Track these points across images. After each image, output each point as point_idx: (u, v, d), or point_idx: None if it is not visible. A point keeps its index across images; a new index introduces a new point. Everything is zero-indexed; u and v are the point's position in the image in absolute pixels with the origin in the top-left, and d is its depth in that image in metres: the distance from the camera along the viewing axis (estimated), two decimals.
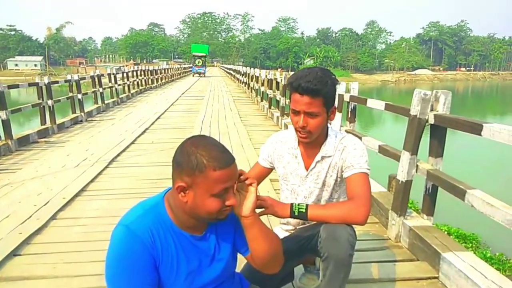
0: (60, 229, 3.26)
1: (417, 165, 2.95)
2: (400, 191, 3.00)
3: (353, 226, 1.67)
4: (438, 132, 2.86)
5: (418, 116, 2.84)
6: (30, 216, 3.42)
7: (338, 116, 4.92)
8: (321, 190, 1.80)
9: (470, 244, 4.80)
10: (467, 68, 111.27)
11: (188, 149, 1.14)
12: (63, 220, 3.44)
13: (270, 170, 1.93)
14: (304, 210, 1.57)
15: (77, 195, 4.06)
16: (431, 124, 2.86)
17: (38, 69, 73.23)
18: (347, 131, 3.84)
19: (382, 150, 3.53)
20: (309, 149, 1.77)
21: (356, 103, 4.58)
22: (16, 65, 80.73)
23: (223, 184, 1.14)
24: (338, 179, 1.77)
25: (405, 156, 2.95)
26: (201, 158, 1.12)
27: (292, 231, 1.91)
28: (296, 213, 1.57)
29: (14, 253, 2.80)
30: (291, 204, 1.60)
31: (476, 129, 2.31)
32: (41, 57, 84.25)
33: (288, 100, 8.85)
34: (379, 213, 3.42)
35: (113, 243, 1.15)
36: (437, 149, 2.91)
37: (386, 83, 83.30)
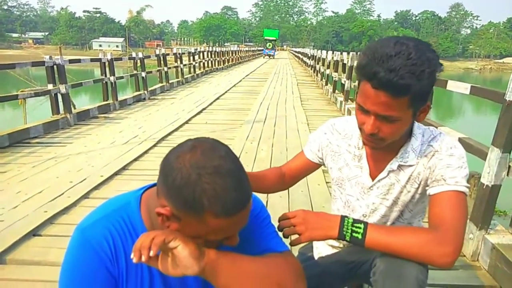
0: (89, 209, 2.95)
1: (509, 166, 2.27)
2: (484, 198, 2.34)
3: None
4: None
5: None
6: (62, 193, 3.26)
7: None
8: (390, 209, 1.25)
9: None
10: None
11: (186, 171, 0.76)
12: (94, 200, 3.24)
13: (318, 166, 1.42)
14: (360, 235, 1.04)
15: (116, 173, 3.88)
16: None
17: (119, 50, 77.65)
18: None
19: (464, 144, 2.82)
20: (380, 151, 1.20)
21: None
22: (100, 45, 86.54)
23: (225, 233, 0.81)
24: (417, 195, 1.20)
25: (494, 153, 2.29)
26: (201, 194, 0.75)
27: (341, 249, 1.39)
28: (348, 238, 1.06)
29: (34, 233, 2.63)
30: (342, 219, 1.08)
31: None
32: (122, 39, 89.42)
33: (354, 84, 8.22)
34: None
35: (68, 248, 0.88)
36: None
37: (469, 71, 76.69)
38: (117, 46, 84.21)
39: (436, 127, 1.31)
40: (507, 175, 2.29)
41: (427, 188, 1.15)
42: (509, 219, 2.62)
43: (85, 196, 3.29)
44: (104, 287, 0.84)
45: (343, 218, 1.08)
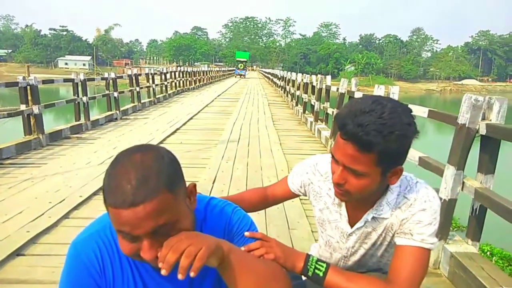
0: (70, 229, 3.10)
1: (463, 182, 2.55)
2: (442, 211, 2.60)
3: None
4: (490, 144, 2.46)
5: (467, 125, 2.45)
6: (43, 214, 3.30)
7: None
8: (370, 250, 1.29)
9: None
10: None
11: (109, 167, 0.82)
12: (75, 220, 3.29)
13: (301, 194, 1.44)
14: (321, 273, 1.10)
15: (95, 193, 3.93)
16: (481, 135, 2.46)
17: (86, 69, 76.34)
18: None
19: (423, 162, 3.13)
20: (358, 201, 1.22)
21: None
22: (66, 64, 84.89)
23: (120, 226, 0.79)
24: (394, 242, 1.23)
25: (450, 171, 2.56)
26: (106, 183, 0.80)
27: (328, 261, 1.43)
28: (310, 273, 1.11)
29: (17, 253, 2.66)
30: (307, 257, 1.13)
31: None
32: (90, 57, 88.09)
33: (323, 105, 8.59)
34: None
35: (65, 261, 0.96)
36: (488, 165, 2.49)
37: (430, 92, 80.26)
38: (84, 65, 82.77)
39: None
40: (462, 190, 2.57)
41: (394, 236, 1.18)
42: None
43: (66, 216, 3.33)
44: None
45: (308, 255, 1.14)
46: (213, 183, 4.42)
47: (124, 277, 0.93)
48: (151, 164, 0.80)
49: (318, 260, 1.12)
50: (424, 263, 1.12)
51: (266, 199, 1.48)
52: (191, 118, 9.88)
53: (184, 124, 8.91)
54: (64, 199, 3.67)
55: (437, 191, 2.68)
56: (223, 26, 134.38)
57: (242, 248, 0.98)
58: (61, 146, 6.36)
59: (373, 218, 1.20)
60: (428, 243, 1.11)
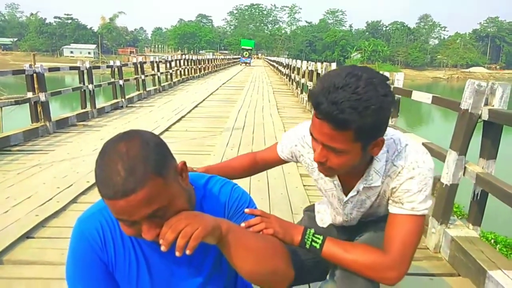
0: (78, 213, 3.07)
1: (465, 167, 2.57)
2: (443, 196, 2.63)
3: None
4: (493, 130, 2.47)
5: (469, 111, 2.46)
6: (51, 198, 3.37)
7: None
8: (368, 212, 1.33)
9: None
10: None
11: (98, 157, 0.84)
12: (83, 204, 3.36)
13: (293, 161, 1.45)
14: (318, 245, 1.14)
15: None
16: (484, 121, 2.47)
17: (92, 57, 76.36)
18: None
19: (426, 148, 3.14)
20: (347, 172, 1.20)
21: (400, 96, 4.18)
22: (71, 52, 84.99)
23: (117, 214, 0.84)
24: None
25: (452, 156, 2.58)
26: (96, 178, 0.83)
27: (337, 225, 1.48)
28: (308, 246, 1.14)
29: (27, 235, 2.73)
30: (304, 229, 1.16)
31: None
32: (95, 45, 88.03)
33: None
34: None
35: (70, 238, 1.01)
36: (490, 150, 2.51)
37: (437, 80, 79.51)
38: (89, 53, 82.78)
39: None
40: (463, 175, 2.59)
41: (388, 202, 1.20)
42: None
43: (74, 201, 3.40)
44: (95, 270, 0.98)
45: (305, 228, 1.17)
46: None
47: (126, 252, 0.99)
48: (137, 153, 0.81)
49: (315, 232, 1.16)
50: (417, 230, 1.14)
51: (256, 164, 1.52)
52: (196, 106, 9.90)
53: (189, 112, 8.95)
54: (71, 185, 3.74)
55: (439, 177, 2.71)
56: (228, 13, 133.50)
57: (243, 224, 1.02)
58: (68, 133, 6.44)
59: (364, 187, 1.21)
60: (420, 210, 1.12)
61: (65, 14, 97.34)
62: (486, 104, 2.46)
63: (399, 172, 1.14)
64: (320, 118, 1.00)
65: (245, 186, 3.79)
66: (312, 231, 1.16)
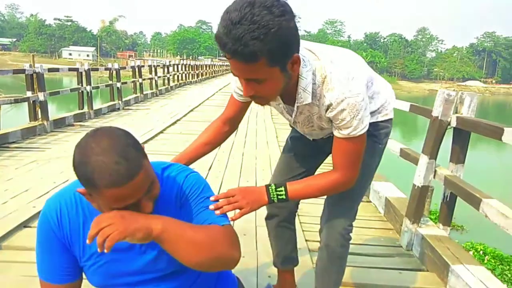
0: None
1: (435, 170, 2.77)
2: (415, 197, 2.82)
3: (353, 224, 1.55)
4: (461, 136, 2.67)
5: (439, 118, 2.66)
6: (48, 192, 3.53)
7: None
8: (320, 126, 1.38)
9: (508, 267, 4.34)
10: None
11: (78, 152, 0.91)
12: None
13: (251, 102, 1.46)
14: (284, 196, 1.29)
15: None
16: (454, 128, 2.68)
17: (90, 59, 76.54)
18: None
19: (404, 153, 3.35)
20: (284, 94, 1.28)
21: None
22: (70, 54, 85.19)
23: (123, 202, 0.92)
24: None
25: (423, 160, 2.78)
26: (92, 172, 0.87)
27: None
28: (276, 201, 1.29)
29: (24, 225, 2.89)
30: (267, 189, 1.30)
31: (496, 133, 2.12)
32: (94, 48, 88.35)
33: None
34: (394, 219, 3.25)
35: None
36: (458, 155, 2.71)
37: (433, 92, 79.69)
38: (87, 56, 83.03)
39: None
40: (434, 177, 2.79)
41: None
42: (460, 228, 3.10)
43: None
44: (52, 245, 1.09)
45: (266, 187, 1.30)
46: (209, 170, 4.65)
47: (81, 233, 1.08)
48: (119, 141, 0.90)
49: (276, 186, 1.31)
50: (359, 146, 1.27)
51: (226, 127, 1.58)
52: (191, 110, 10.10)
53: (184, 115, 9.14)
54: (67, 180, 3.90)
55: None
56: None
57: (211, 207, 1.10)
58: (64, 132, 6.60)
59: (299, 106, 1.28)
60: (358, 131, 1.23)
61: (65, 16, 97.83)
62: (455, 112, 2.66)
63: (330, 105, 1.21)
64: (229, 57, 1.04)
65: (235, 185, 3.97)
66: (274, 186, 1.30)
